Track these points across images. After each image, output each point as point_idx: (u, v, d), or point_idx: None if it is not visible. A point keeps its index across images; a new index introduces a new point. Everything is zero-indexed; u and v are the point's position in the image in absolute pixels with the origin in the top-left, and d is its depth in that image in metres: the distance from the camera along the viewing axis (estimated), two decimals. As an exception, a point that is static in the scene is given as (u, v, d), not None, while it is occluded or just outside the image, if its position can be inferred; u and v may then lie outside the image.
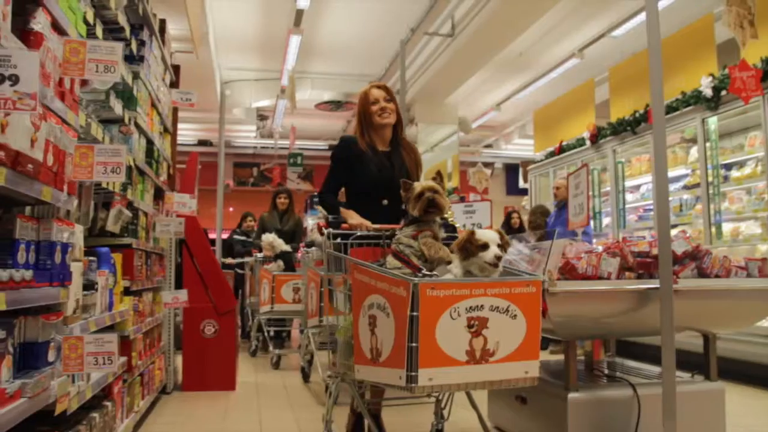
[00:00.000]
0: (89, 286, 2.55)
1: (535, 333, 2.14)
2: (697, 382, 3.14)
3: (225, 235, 8.99)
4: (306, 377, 5.08)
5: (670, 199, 6.77)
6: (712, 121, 5.80)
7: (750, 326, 4.03)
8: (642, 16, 6.79)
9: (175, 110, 5.01)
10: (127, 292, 3.30)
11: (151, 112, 3.97)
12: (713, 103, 5.59)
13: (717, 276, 3.05)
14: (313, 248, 5.42)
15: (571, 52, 7.97)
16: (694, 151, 6.29)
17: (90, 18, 2.49)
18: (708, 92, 5.59)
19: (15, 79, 1.25)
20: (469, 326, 2.04)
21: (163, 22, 4.62)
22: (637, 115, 6.69)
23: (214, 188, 10.03)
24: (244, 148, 13.48)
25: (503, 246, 2.26)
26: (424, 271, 2.25)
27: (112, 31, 3.13)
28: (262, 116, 10.92)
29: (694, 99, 5.79)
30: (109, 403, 2.77)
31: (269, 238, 6.15)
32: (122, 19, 3.12)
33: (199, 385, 4.65)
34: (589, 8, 7.07)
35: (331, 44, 8.28)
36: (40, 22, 1.88)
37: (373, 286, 2.24)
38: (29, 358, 1.94)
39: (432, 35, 7.05)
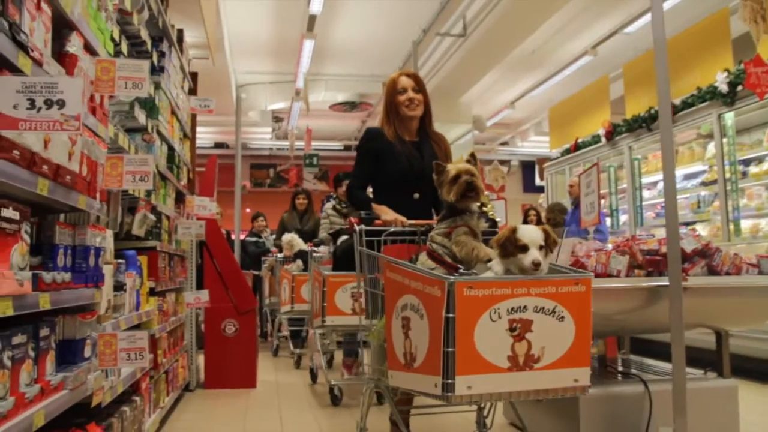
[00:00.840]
0: (119, 287, 2.68)
1: (585, 337, 1.96)
2: (710, 379, 3.11)
3: (243, 236, 9.14)
4: (314, 378, 5.10)
5: (687, 196, 6.88)
6: (729, 117, 5.82)
7: (763, 323, 4.07)
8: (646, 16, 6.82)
9: (193, 116, 5.16)
10: (152, 292, 3.43)
11: (171, 120, 4.11)
12: (729, 98, 5.61)
13: (728, 273, 3.07)
14: (321, 247, 5.49)
15: (584, 49, 8.00)
16: (711, 147, 6.31)
17: (116, 35, 2.62)
18: (724, 88, 5.61)
19: (62, 104, 1.37)
20: (511, 329, 1.87)
21: (180, 32, 4.77)
22: (651, 111, 6.72)
23: (232, 190, 10.20)
24: (260, 150, 13.66)
25: (548, 247, 2.06)
26: (462, 270, 2.05)
27: (135, 45, 3.27)
28: (277, 118, 11.08)
29: (710, 95, 5.81)
30: (138, 398, 2.91)
31: (288, 237, 6.27)
32: (144, 33, 3.26)
33: (220, 383, 4.79)
34: (600, 6, 7.11)
35: (344, 46, 8.39)
36: (74, 45, 2.02)
37: (407, 285, 2.09)
38: (68, 354, 2.07)
39: (444, 36, 7.12)
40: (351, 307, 4.09)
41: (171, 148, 4.11)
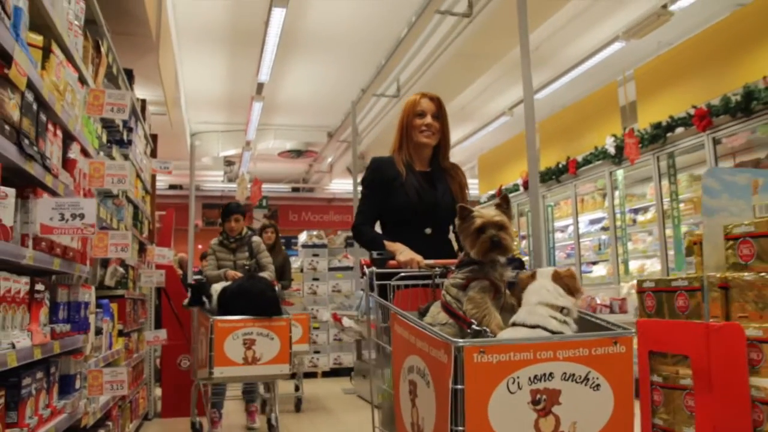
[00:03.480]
0: (98, 331, 3.33)
1: (626, 409, 1.65)
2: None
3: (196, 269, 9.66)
4: None
5: (591, 239, 7.86)
6: (620, 173, 6.84)
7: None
8: (565, 78, 7.91)
9: (153, 174, 5.81)
10: (120, 333, 4.06)
11: (136, 183, 4.77)
12: (617, 159, 6.64)
13: (585, 313, 3.89)
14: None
15: (502, 109, 9.04)
16: (617, 196, 7.33)
17: (98, 130, 3.32)
18: (612, 150, 6.64)
19: (82, 216, 2.07)
20: (535, 402, 1.56)
21: (143, 102, 5.46)
22: (560, 165, 7.72)
23: (185, 228, 10.77)
24: (212, 191, 14.25)
25: (572, 292, 1.80)
26: (475, 326, 1.79)
27: (109, 128, 3.96)
28: (229, 162, 11.75)
29: (602, 155, 6.84)
30: (110, 423, 3.53)
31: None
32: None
33: (176, 413, 5.36)
34: (515, 74, 8.12)
35: (291, 100, 9.20)
36: (74, 152, 2.72)
37: (413, 344, 1.83)
38: (65, 386, 2.71)
39: (379, 96, 8.00)
40: (243, 356, 3.86)
41: (136, 207, 4.77)
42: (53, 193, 2.35)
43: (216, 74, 8.15)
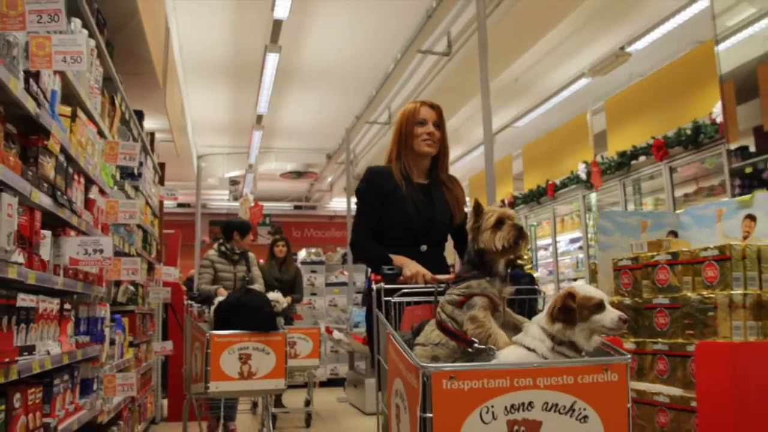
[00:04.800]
0: (111, 342, 3.89)
1: None
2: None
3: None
4: None
5: (570, 257, 8.37)
6: (593, 196, 7.37)
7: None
8: (541, 109, 8.46)
9: (161, 201, 6.40)
10: (130, 344, 4.62)
11: (145, 210, 5.35)
12: (589, 183, 7.16)
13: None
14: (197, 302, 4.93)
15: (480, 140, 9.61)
16: (589, 218, 7.86)
17: (113, 169, 3.90)
18: (583, 176, 7.17)
19: (102, 251, 2.64)
20: None
21: (152, 135, 6.06)
22: (540, 188, 8.25)
23: (192, 244, 11.41)
24: (218, 209, 14.88)
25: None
26: (477, 345, 1.72)
27: (123, 166, 4.53)
28: (233, 181, 12.37)
29: (576, 180, 7.36)
30: (121, 423, 4.07)
31: (274, 297, 5.45)
32: (130, 156, 4.54)
33: (180, 417, 5.88)
34: (494, 106, 8.69)
35: (290, 126, 9.81)
36: (93, 193, 3.29)
37: (397, 366, 1.76)
38: (85, 388, 3.26)
39: (372, 123, 8.58)
40: (238, 371, 3.84)
41: (145, 231, 5.34)
42: (78, 230, 2.93)
43: (219, 103, 8.78)
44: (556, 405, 1.49)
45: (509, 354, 1.65)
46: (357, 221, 2.62)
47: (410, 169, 2.58)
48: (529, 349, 1.64)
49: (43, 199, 2.43)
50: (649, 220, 2.86)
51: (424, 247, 2.54)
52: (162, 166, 6.59)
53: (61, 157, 2.69)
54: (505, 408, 1.47)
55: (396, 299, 2.18)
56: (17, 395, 2.15)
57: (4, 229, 1.95)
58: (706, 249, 2.36)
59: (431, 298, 2.18)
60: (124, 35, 4.67)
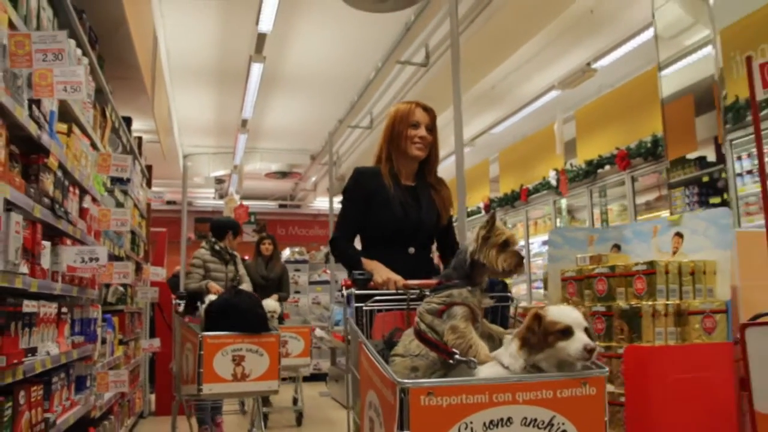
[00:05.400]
0: (103, 341, 4.14)
1: None
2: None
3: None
4: None
5: (543, 258, 8.71)
6: (563, 202, 7.70)
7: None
8: (516, 117, 8.76)
9: (148, 203, 6.63)
10: (120, 342, 4.86)
11: (134, 212, 5.58)
12: (558, 190, 7.50)
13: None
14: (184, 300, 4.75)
15: (465, 141, 9.90)
16: (558, 222, 8.19)
17: (104, 177, 4.15)
18: (554, 182, 7.50)
19: (97, 260, 2.89)
20: None
21: (139, 139, 6.28)
22: (514, 193, 8.58)
23: (178, 240, 11.64)
24: (204, 207, 15.08)
25: (590, 331, 1.60)
26: (458, 356, 1.69)
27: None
28: (219, 180, 12.59)
29: (546, 186, 7.70)
30: (112, 417, 4.33)
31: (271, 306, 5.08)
32: (120, 163, 4.78)
33: (168, 411, 6.14)
34: (471, 114, 9.00)
35: (275, 128, 10.05)
36: (87, 202, 3.54)
37: (370, 378, 1.74)
38: (79, 384, 3.51)
39: (354, 128, 8.85)
40: (232, 373, 3.80)
41: (133, 233, 5.58)
42: (73, 239, 3.18)
43: (205, 105, 9.00)
44: (535, 420, 1.49)
45: (488, 371, 1.63)
46: (339, 220, 2.60)
47: (399, 170, 2.57)
48: (503, 365, 1.61)
49: (44, 213, 2.68)
50: (595, 235, 3.17)
51: (412, 249, 2.53)
52: (149, 168, 6.82)
53: (59, 173, 2.94)
54: (484, 424, 1.46)
55: (368, 306, 2.16)
56: (22, 393, 2.40)
57: (12, 244, 2.21)
58: (636, 264, 2.67)
59: (404, 306, 2.17)
60: (113, 43, 4.87)
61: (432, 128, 2.57)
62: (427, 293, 1.97)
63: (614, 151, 6.41)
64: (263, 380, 3.94)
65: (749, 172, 5.10)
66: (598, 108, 7.17)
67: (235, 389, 3.89)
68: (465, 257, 1.89)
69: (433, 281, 2.11)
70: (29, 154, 2.64)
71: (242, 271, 5.51)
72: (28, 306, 2.47)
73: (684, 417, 2.48)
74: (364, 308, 2.17)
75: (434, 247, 2.72)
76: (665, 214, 5.74)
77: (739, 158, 5.10)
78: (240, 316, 4.01)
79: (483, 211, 9.42)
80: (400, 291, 2.19)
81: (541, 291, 8.21)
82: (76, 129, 3.31)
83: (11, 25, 2.12)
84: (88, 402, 3.49)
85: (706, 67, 3.69)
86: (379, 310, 2.21)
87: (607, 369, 1.61)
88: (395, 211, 2.50)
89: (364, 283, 2.25)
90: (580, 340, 1.53)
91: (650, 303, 2.54)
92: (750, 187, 5.02)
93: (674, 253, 2.84)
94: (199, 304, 4.53)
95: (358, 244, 2.61)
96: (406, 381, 1.47)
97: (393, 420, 1.46)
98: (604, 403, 1.57)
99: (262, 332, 4.02)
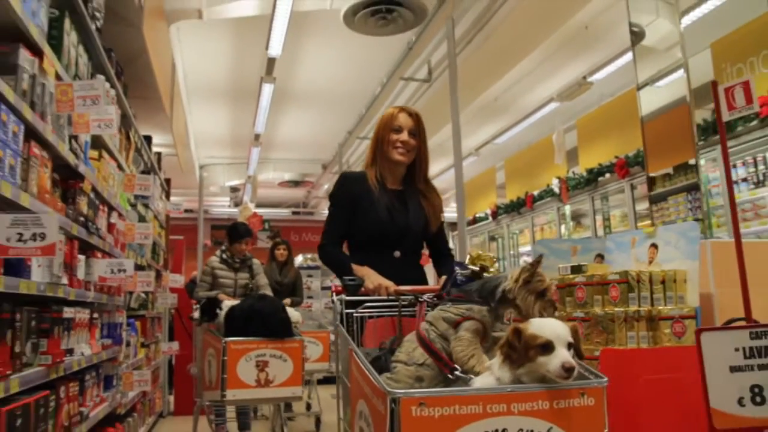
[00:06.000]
0: (127, 343, 4.47)
1: None
2: None
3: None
4: None
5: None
6: (567, 208, 7.95)
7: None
8: (519, 126, 9.02)
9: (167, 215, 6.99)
10: (142, 345, 5.19)
11: (154, 223, 5.92)
12: (560, 197, 7.75)
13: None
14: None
15: (470, 150, 10.20)
16: (563, 228, 8.45)
17: (129, 196, 4.49)
18: (556, 190, 7.75)
19: (124, 271, 3.22)
20: None
21: (159, 155, 6.63)
22: (519, 199, 8.84)
23: (195, 247, 12.05)
24: (220, 215, 15.50)
25: (577, 347, 1.57)
26: (458, 372, 1.67)
27: (136, 187, 5.11)
28: (233, 188, 12.97)
29: (550, 193, 7.95)
30: (135, 415, 4.65)
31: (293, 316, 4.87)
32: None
33: (186, 411, 6.47)
34: (475, 125, 9.29)
35: (287, 139, 10.41)
36: (114, 217, 3.88)
37: (361, 387, 1.71)
38: (106, 383, 3.83)
39: (363, 139, 9.16)
40: (255, 378, 3.76)
41: (153, 243, 5.92)
42: (103, 252, 3.51)
43: (220, 120, 9.38)
44: (532, 431, 1.45)
45: (481, 381, 1.61)
46: (327, 226, 2.59)
47: (384, 176, 2.57)
48: (496, 377, 1.58)
49: (80, 230, 3.01)
50: (579, 246, 3.44)
51: (397, 254, 2.52)
52: (168, 181, 7.16)
53: (92, 194, 3.27)
54: None
55: (359, 313, 2.15)
56: (63, 388, 2.73)
57: (56, 260, 2.53)
58: (612, 274, 2.93)
59: (395, 312, 2.14)
60: (135, 67, 5.24)
61: (416, 132, 2.56)
62: (423, 297, 1.99)
63: (614, 159, 6.64)
64: (287, 386, 3.90)
65: (744, 180, 5.36)
66: (598, 117, 7.41)
67: (259, 395, 3.85)
68: (495, 290, 1.84)
69: (425, 287, 2.20)
70: (67, 180, 2.97)
71: (262, 280, 5.38)
72: (67, 312, 2.79)
73: (656, 415, 2.75)
74: (355, 315, 2.16)
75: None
76: (664, 220, 5.98)
77: (734, 166, 5.35)
78: (262, 321, 3.95)
79: (490, 218, 9.67)
80: (391, 297, 2.17)
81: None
82: (105, 154, 3.65)
83: (57, 76, 2.44)
84: (114, 399, 3.81)
85: (679, 90, 3.96)
86: (370, 317, 2.19)
87: (606, 379, 1.56)
88: (380, 215, 2.49)
89: (355, 288, 2.22)
90: (559, 356, 1.48)
91: (623, 309, 2.81)
92: (745, 194, 5.27)
93: (650, 262, 3.10)
94: (218, 310, 4.42)
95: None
96: (397, 391, 1.44)
97: (384, 431, 1.44)
98: (603, 414, 1.52)
99: (286, 337, 3.96)
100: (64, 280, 2.71)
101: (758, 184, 5.18)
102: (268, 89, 6.72)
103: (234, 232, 5.33)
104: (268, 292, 5.25)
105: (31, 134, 2.29)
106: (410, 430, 1.40)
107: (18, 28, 2.22)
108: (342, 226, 2.55)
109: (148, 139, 5.87)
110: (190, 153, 9.70)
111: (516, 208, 8.89)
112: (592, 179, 7.03)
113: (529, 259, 2.28)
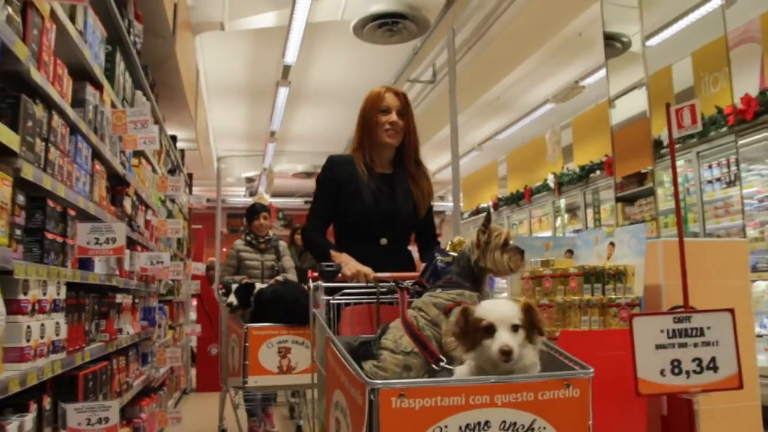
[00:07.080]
0: (159, 325, 5.07)
1: None
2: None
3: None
4: None
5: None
6: (562, 201, 8.44)
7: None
8: (519, 124, 9.49)
9: (190, 208, 7.59)
10: (170, 327, 5.81)
11: (179, 216, 6.52)
12: (554, 191, 8.24)
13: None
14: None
15: (473, 145, 10.67)
16: (558, 221, 8.94)
17: (160, 195, 5.07)
18: (551, 184, 8.24)
19: (162, 262, 3.80)
20: None
21: (182, 152, 7.22)
22: (519, 191, 9.34)
23: (213, 235, 12.70)
24: (236, 204, 16.15)
25: (530, 327, 1.51)
26: (443, 364, 1.62)
27: (165, 185, 5.70)
28: (249, 179, 13.57)
29: (546, 187, 8.44)
30: (165, 388, 5.27)
31: None
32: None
33: (207, 388, 7.11)
34: (479, 120, 9.76)
35: (301, 134, 10.96)
36: (149, 214, 4.46)
37: (338, 376, 1.66)
38: (143, 359, 4.43)
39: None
40: (277, 365, 3.69)
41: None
42: (143, 246, 4.10)
43: (238, 116, 9.96)
44: (515, 424, 1.41)
45: (461, 370, 1.56)
46: (311, 210, 2.51)
47: (372, 159, 2.46)
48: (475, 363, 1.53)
49: (126, 229, 3.59)
50: (551, 242, 3.97)
51: (384, 241, 2.43)
52: (190, 176, 7.76)
53: (134, 197, 3.85)
54: (460, 428, 1.38)
55: (336, 300, 2.10)
56: (115, 360, 3.32)
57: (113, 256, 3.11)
58: (572, 268, 3.47)
59: (373, 299, 2.11)
60: (163, 71, 5.80)
61: (404, 113, 2.46)
62: (404, 284, 2.01)
63: (603, 157, 7.12)
64: (309, 373, 3.63)
65: (718, 179, 5.84)
66: (592, 117, 7.87)
67: (281, 382, 3.76)
68: (470, 265, 1.85)
69: (406, 274, 2.16)
70: (115, 186, 3.55)
71: (288, 262, 5.22)
72: (118, 298, 3.38)
73: (604, 384, 3.30)
74: (332, 302, 2.12)
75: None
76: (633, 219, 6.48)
77: (710, 167, 5.83)
78: (284, 306, 3.85)
79: (492, 209, 10.18)
80: (370, 284, 2.12)
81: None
82: (143, 160, 4.22)
83: (112, 103, 3.01)
84: (150, 374, 4.42)
85: (641, 105, 4.46)
86: (347, 304, 2.15)
87: (592, 370, 1.53)
88: (365, 200, 2.40)
89: (332, 275, 2.17)
90: (498, 339, 1.43)
91: (579, 297, 3.35)
92: (718, 193, 5.76)
93: (608, 258, 3.63)
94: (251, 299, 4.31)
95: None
96: (376, 381, 1.39)
97: (362, 422, 1.38)
98: (588, 406, 1.48)
99: (307, 324, 3.68)
100: (116, 272, 3.30)
101: (730, 184, 5.66)
102: (283, 92, 7.27)
103: (251, 210, 5.24)
104: (293, 274, 5.11)
105: (95, 155, 2.86)
106: (389, 422, 1.35)
107: (85, 69, 2.78)
108: (326, 211, 2.48)
109: (173, 139, 6.45)
110: (209, 146, 10.29)
111: (516, 200, 9.39)
112: (584, 175, 7.51)
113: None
